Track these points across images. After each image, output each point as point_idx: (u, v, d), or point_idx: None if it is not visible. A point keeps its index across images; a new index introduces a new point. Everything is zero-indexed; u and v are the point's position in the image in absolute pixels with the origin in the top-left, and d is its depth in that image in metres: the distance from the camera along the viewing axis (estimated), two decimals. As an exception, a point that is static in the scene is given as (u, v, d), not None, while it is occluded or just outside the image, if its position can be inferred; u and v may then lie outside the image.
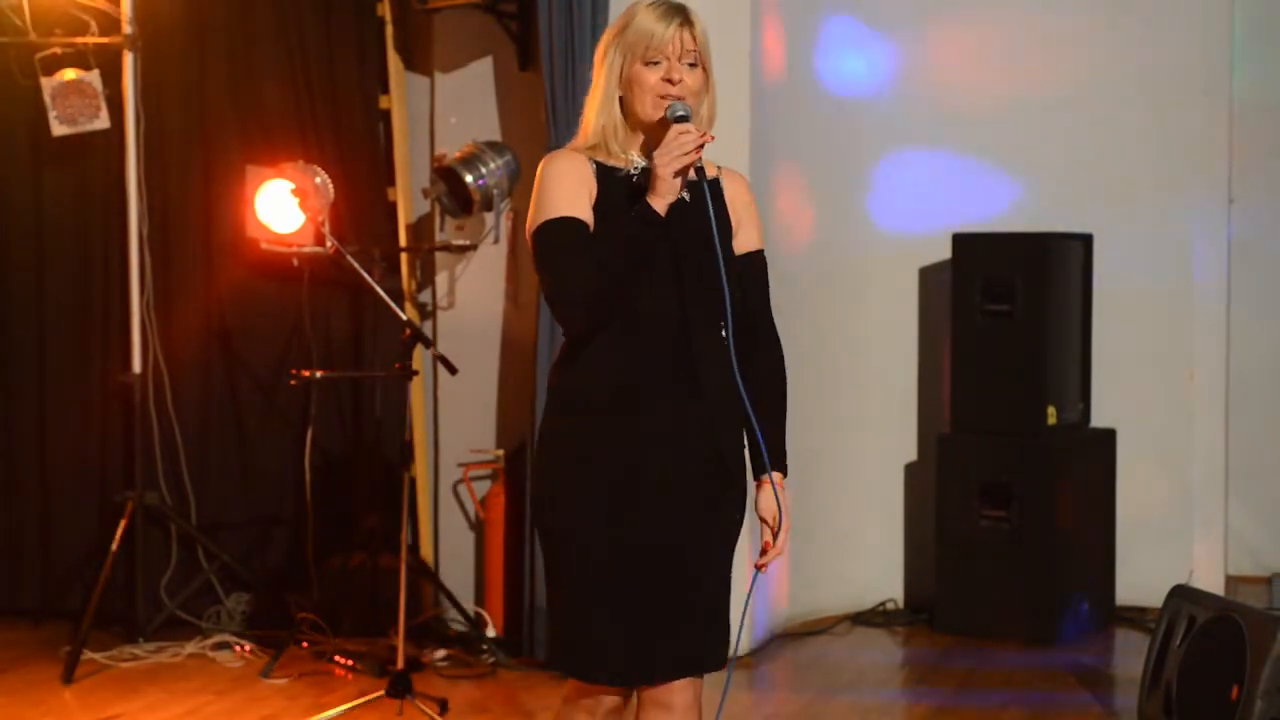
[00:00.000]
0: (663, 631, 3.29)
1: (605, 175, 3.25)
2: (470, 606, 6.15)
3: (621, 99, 3.26)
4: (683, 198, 3.22)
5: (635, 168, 3.28)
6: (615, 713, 3.39)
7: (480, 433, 6.26)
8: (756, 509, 3.39)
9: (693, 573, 3.33)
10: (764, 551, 3.39)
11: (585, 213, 3.20)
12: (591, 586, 3.25)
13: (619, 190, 3.25)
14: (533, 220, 3.24)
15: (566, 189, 3.21)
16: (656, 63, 3.20)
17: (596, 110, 3.27)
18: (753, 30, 5.96)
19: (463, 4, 6.03)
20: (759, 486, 3.39)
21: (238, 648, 5.99)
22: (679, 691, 3.33)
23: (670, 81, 3.20)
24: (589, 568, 3.25)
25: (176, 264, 6.39)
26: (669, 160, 3.12)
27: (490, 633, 6.01)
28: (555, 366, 3.34)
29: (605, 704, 3.36)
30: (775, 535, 3.37)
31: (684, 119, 3.17)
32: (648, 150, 3.27)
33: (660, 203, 3.15)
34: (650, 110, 3.22)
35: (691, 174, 3.18)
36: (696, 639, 3.34)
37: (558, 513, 3.28)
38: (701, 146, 3.15)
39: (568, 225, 3.19)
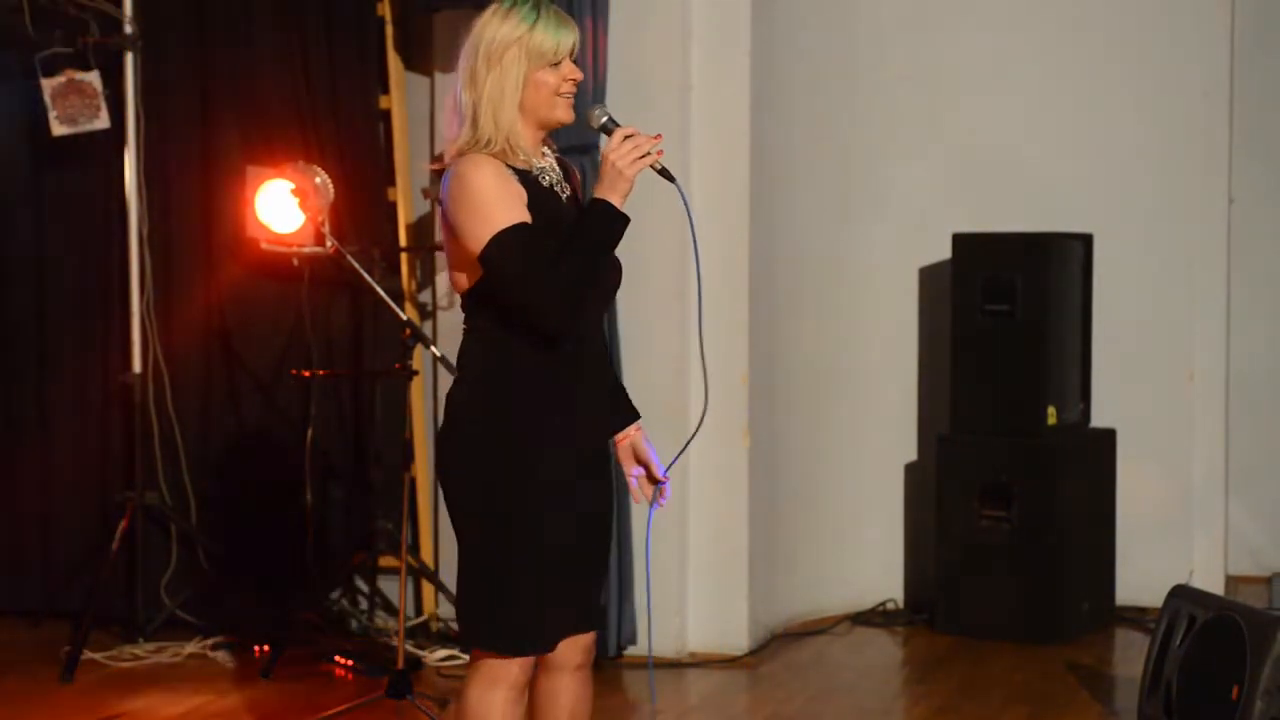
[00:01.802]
0: (588, 593, 3.58)
1: (521, 178, 3.42)
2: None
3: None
4: (572, 190, 3.54)
5: (536, 169, 3.47)
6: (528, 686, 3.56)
7: (480, 433, 6.25)
8: (628, 455, 3.68)
9: (608, 539, 3.65)
10: (654, 485, 3.69)
11: (528, 217, 3.37)
12: (540, 560, 3.43)
13: (535, 192, 3.42)
14: (482, 226, 3.33)
15: (508, 194, 3.37)
16: (556, 64, 3.43)
17: (499, 112, 3.42)
18: (753, 33, 5.96)
19: (463, 4, 6.02)
20: (623, 437, 3.67)
21: (237, 648, 5.98)
22: (584, 650, 3.60)
23: (574, 81, 3.46)
24: (538, 542, 3.42)
25: (176, 264, 6.39)
26: (630, 163, 3.35)
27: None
28: (484, 355, 3.48)
29: (526, 676, 3.50)
30: (656, 475, 3.68)
31: (616, 124, 3.44)
32: (535, 148, 3.49)
33: (619, 200, 3.38)
34: (552, 110, 3.45)
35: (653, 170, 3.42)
36: (598, 595, 3.66)
37: (508, 494, 3.42)
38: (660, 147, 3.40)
39: (532, 231, 3.35)
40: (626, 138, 3.36)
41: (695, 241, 3.57)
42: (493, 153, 3.41)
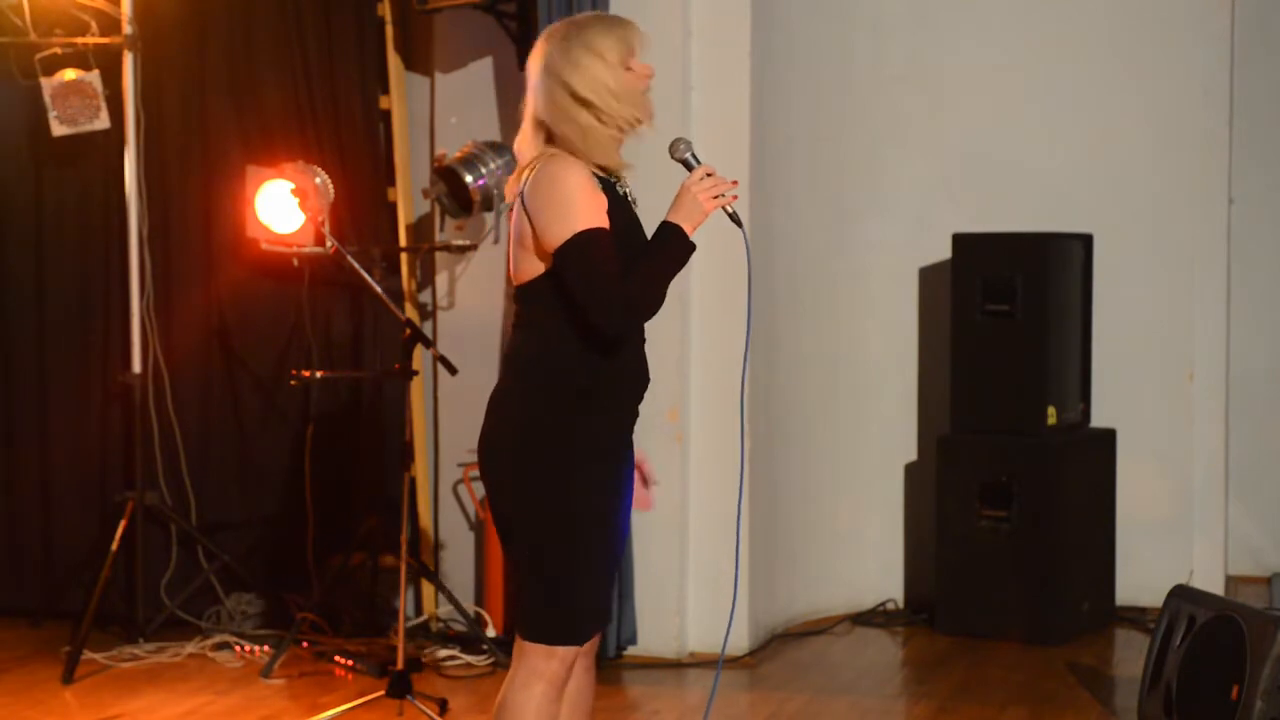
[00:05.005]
0: (612, 585, 3.84)
1: (602, 184, 3.55)
2: (470, 606, 6.15)
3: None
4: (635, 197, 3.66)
5: (614, 177, 3.59)
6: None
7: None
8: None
9: (627, 535, 3.87)
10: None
11: (607, 224, 3.50)
12: (590, 557, 3.57)
13: (614, 198, 3.54)
14: (564, 224, 3.46)
15: (593, 198, 3.50)
16: (629, 68, 3.57)
17: (591, 122, 3.53)
18: (753, 33, 5.96)
19: (463, 4, 6.04)
20: None
21: (238, 648, 5.99)
22: (592, 640, 3.70)
23: (650, 76, 3.60)
24: (590, 541, 3.56)
25: (177, 264, 6.40)
26: (709, 199, 3.53)
27: (490, 633, 6.02)
28: (536, 354, 3.58)
29: (566, 674, 3.60)
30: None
31: (698, 161, 3.59)
32: (616, 153, 3.59)
33: (691, 229, 3.54)
34: (640, 108, 3.56)
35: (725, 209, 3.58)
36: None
37: (561, 495, 3.53)
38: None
39: (610, 238, 3.48)
40: (708, 175, 3.54)
41: (750, 285, 3.71)
42: (587, 150, 3.53)
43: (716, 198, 3.52)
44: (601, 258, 3.44)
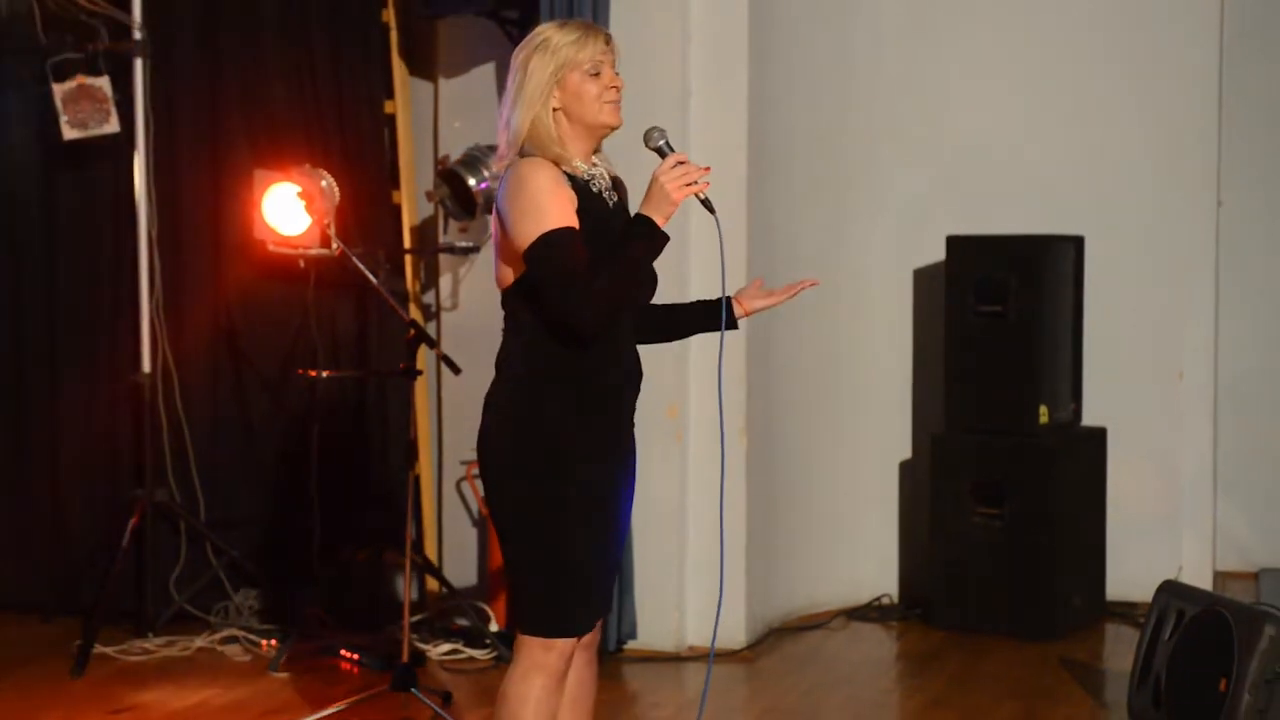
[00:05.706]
0: (612, 579, 3.79)
1: (572, 183, 3.56)
2: (473, 601, 6.20)
3: (556, 110, 3.60)
4: (618, 198, 3.69)
5: (588, 175, 3.61)
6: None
7: (482, 431, 6.31)
8: (750, 306, 3.94)
9: (627, 529, 3.86)
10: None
11: (576, 223, 3.50)
12: (582, 554, 3.61)
13: (586, 196, 3.56)
14: (532, 225, 3.47)
15: (561, 198, 3.50)
16: (597, 73, 3.57)
17: (552, 122, 3.58)
18: (751, 37, 6.02)
19: (466, 10, 6.09)
20: (731, 312, 3.87)
21: (245, 642, 6.06)
22: (593, 633, 3.76)
23: (616, 88, 3.59)
24: (581, 539, 3.60)
25: (185, 265, 6.43)
26: (677, 188, 3.47)
27: (493, 627, 6.06)
28: (525, 355, 3.61)
29: (565, 665, 3.65)
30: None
31: (670, 149, 3.56)
32: (585, 154, 3.62)
33: (662, 220, 3.50)
34: (600, 114, 3.58)
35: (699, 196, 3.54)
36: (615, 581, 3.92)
37: (551, 495, 3.58)
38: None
39: (578, 236, 3.48)
40: (679, 163, 3.48)
41: (724, 271, 3.72)
42: (551, 156, 3.56)
43: (689, 186, 3.47)
44: (567, 256, 3.43)
